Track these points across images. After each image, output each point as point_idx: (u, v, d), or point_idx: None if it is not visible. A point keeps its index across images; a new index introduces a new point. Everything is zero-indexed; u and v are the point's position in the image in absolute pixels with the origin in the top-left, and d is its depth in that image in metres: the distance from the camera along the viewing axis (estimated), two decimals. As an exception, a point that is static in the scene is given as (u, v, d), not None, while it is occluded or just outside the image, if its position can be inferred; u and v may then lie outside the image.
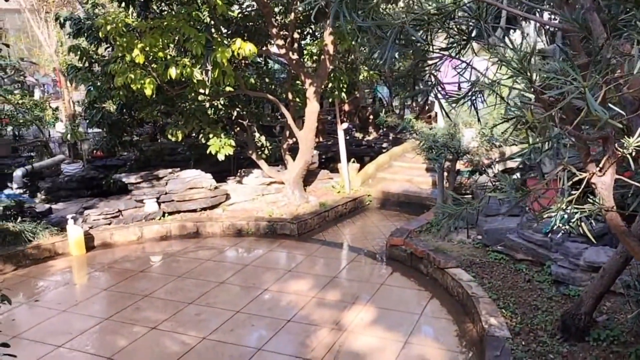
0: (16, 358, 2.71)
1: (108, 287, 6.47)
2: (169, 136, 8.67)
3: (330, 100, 10.67)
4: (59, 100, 16.69)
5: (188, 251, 7.73)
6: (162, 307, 5.80)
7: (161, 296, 6.09)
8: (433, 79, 2.60)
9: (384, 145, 14.73)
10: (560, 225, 2.40)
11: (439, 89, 2.62)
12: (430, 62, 2.44)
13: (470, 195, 8.06)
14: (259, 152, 10.32)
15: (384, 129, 15.43)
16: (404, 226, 7.45)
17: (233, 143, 8.86)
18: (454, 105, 2.63)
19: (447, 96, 2.66)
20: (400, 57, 2.51)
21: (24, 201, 8.34)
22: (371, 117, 15.85)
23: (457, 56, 2.47)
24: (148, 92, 7.34)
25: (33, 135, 13.74)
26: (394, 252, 6.99)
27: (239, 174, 10.25)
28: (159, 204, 8.78)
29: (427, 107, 15.96)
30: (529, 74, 1.94)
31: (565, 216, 2.31)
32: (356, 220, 9.01)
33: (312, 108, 9.03)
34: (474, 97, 2.64)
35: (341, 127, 9.83)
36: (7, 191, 10.29)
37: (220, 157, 8.79)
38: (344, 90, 9.85)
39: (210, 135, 8.90)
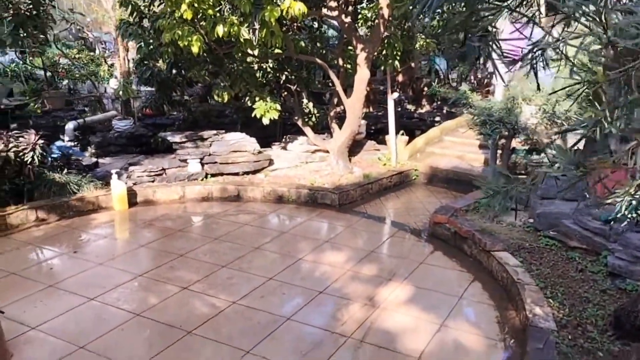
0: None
1: (146, 243, 6.54)
2: (215, 97, 8.59)
3: (383, 69, 10.29)
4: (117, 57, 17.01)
5: (227, 214, 7.71)
6: (196, 268, 5.79)
7: (197, 257, 6.09)
8: (488, 36, 2.30)
9: (437, 119, 14.20)
10: (626, 213, 2.09)
11: (495, 47, 2.32)
12: (484, 13, 2.14)
13: (524, 176, 7.62)
14: (306, 119, 10.14)
15: (438, 102, 14.86)
16: (450, 204, 7.13)
17: (279, 107, 8.71)
18: (511, 68, 2.33)
19: (504, 56, 2.36)
20: (447, 10, 2.22)
21: (72, 153, 8.52)
22: (425, 89, 15.29)
23: (517, 9, 2.15)
24: (195, 49, 7.23)
25: (87, 90, 14.06)
26: (437, 230, 6.71)
27: (283, 140, 10.12)
28: (202, 165, 8.78)
29: (485, 82, 15.26)
30: (603, 29, 1.63)
31: (634, 202, 2.00)
32: (400, 195, 8.73)
33: (362, 75, 8.71)
34: (534, 61, 2.33)
35: (391, 97, 9.47)
36: (58, 143, 10.59)
37: (265, 121, 8.66)
38: (398, 58, 9.45)
39: (257, 99, 8.77)
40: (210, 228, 7.12)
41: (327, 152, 9.66)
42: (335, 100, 9.75)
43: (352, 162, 9.63)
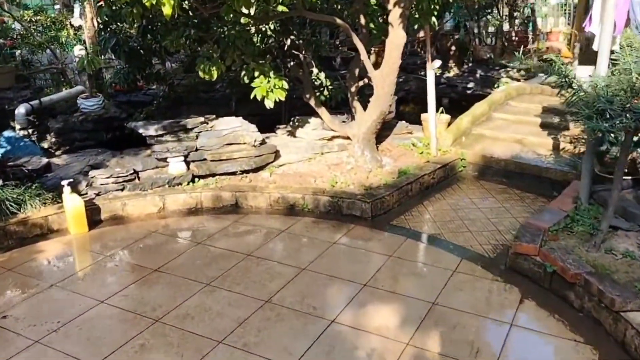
0: None
1: (108, 297, 4.64)
2: (201, 73, 6.52)
3: (415, 27, 8.19)
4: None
5: (223, 235, 5.80)
6: (178, 346, 3.92)
7: (180, 322, 4.21)
8: None
9: (470, 85, 12.15)
10: None
11: None
12: None
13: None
14: (318, 94, 8.11)
15: (470, 64, 12.75)
16: (533, 222, 5.20)
17: (285, 85, 6.65)
18: None
19: None
20: None
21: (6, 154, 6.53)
22: (453, 48, 13.14)
23: None
24: (167, 10, 5.14)
25: (48, 61, 11.87)
26: (522, 264, 4.82)
27: (291, 123, 8.09)
28: (188, 164, 6.80)
29: (527, 35, 13.09)
30: None
31: None
32: (448, 196, 6.79)
33: (397, 39, 6.62)
34: None
35: (432, 66, 7.40)
36: (7, 133, 8.57)
37: (269, 103, 6.63)
38: (436, 13, 7.34)
39: (256, 73, 6.70)
40: (199, 262, 5.22)
41: (348, 138, 7.67)
42: (357, 70, 7.68)
43: (380, 151, 7.65)
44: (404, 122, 8.38)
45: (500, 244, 5.46)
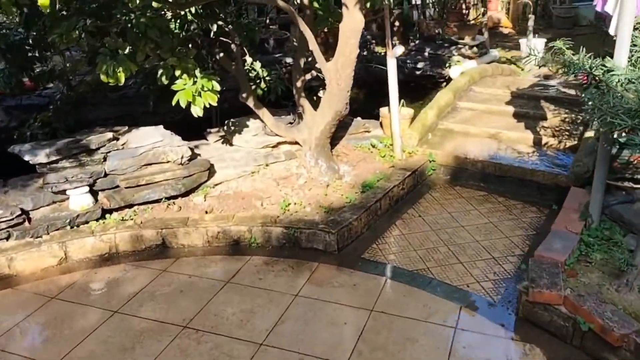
0: None
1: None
2: (103, 76, 5.01)
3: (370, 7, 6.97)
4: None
5: (147, 297, 4.44)
6: None
7: None
8: None
9: (419, 65, 11.09)
10: None
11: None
12: None
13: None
14: (254, 88, 6.79)
15: (417, 42, 11.70)
16: (545, 254, 4.20)
17: (217, 86, 5.28)
18: None
19: None
20: None
21: None
22: (396, 23, 12.03)
23: None
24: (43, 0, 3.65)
25: None
26: (540, 314, 3.82)
27: (225, 127, 6.71)
28: (95, 194, 5.32)
29: (478, 15, 12.21)
30: None
31: None
32: (423, 211, 5.72)
33: (353, 23, 5.38)
34: None
35: (393, 54, 6.22)
36: None
37: (197, 111, 5.25)
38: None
39: (177, 72, 5.28)
40: (117, 345, 3.86)
41: (297, 144, 6.42)
42: (302, 61, 6.39)
43: (335, 156, 6.46)
44: (359, 119, 7.19)
45: (502, 279, 4.46)
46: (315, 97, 7.72)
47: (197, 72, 5.34)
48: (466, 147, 6.48)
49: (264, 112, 6.22)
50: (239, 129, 6.54)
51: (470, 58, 10.40)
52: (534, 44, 9.48)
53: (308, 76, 6.38)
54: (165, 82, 5.43)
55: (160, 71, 5.43)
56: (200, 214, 5.39)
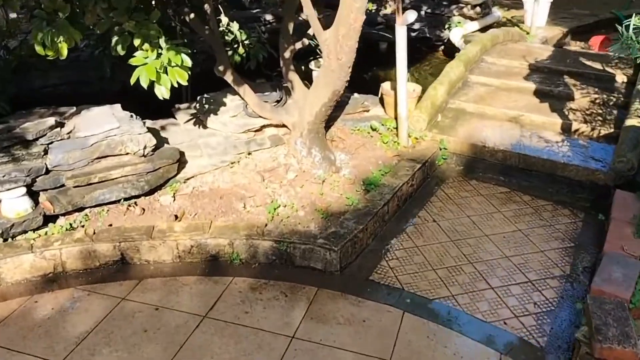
0: None
1: None
2: (38, 48, 3.88)
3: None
4: None
5: (102, 338, 3.49)
6: None
7: None
8: None
9: (415, 26, 10.01)
10: None
11: None
12: None
13: None
14: (231, 54, 5.72)
15: (411, -1, 10.57)
16: (606, 289, 3.37)
17: (187, 60, 4.19)
18: None
19: None
20: None
21: None
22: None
23: None
24: None
25: None
26: (609, 375, 3.05)
27: (197, 104, 5.63)
28: (35, 195, 4.27)
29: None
30: None
31: None
32: (437, 214, 4.85)
33: (359, -17, 4.33)
34: None
35: (403, 20, 5.16)
36: None
37: (162, 92, 4.18)
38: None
39: (136, 41, 4.17)
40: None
41: (284, 126, 5.43)
42: (291, 25, 5.30)
43: (329, 141, 5.49)
44: (357, 95, 6.16)
45: (544, 313, 3.67)
46: (303, 67, 6.66)
47: (161, 41, 4.24)
48: (483, 133, 5.58)
49: (245, 90, 5.16)
50: (215, 107, 5.48)
51: (472, 19, 9.41)
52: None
53: (299, 45, 5.32)
54: (122, 52, 4.32)
55: (114, 39, 4.31)
56: (168, 220, 4.41)
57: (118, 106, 4.91)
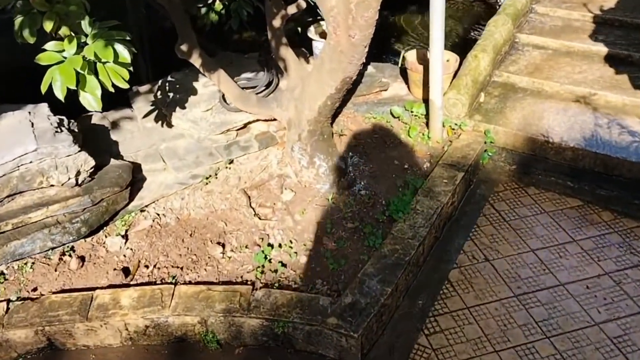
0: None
1: None
2: None
3: None
4: None
5: None
6: None
7: None
8: None
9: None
10: None
11: None
12: None
13: None
14: (206, 13, 4.36)
15: None
16: None
17: (125, 54, 2.79)
18: None
19: None
20: None
21: None
22: None
23: None
24: None
25: None
26: None
27: (159, 90, 4.23)
28: None
29: None
30: None
31: None
32: (489, 249, 3.56)
33: None
34: None
35: (442, -29, 3.66)
36: None
37: (89, 102, 2.80)
38: None
39: (48, 24, 2.74)
40: None
41: (274, 120, 4.06)
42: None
43: (337, 136, 4.14)
44: (373, 69, 4.69)
45: None
46: (297, 37, 5.21)
47: (84, 24, 2.84)
48: (543, 121, 4.19)
49: (220, 76, 3.73)
50: (182, 96, 4.08)
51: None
52: None
53: (292, 9, 3.84)
54: (30, 40, 2.90)
55: (17, 19, 2.88)
56: (116, 275, 3.16)
57: (43, 108, 3.54)
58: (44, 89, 2.73)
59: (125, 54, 2.77)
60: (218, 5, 4.62)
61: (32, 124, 3.32)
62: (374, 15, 3.11)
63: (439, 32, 3.78)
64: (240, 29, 5.28)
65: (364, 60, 3.45)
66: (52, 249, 3.23)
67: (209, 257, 3.30)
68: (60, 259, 3.28)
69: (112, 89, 2.85)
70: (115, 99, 4.42)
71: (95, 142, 3.86)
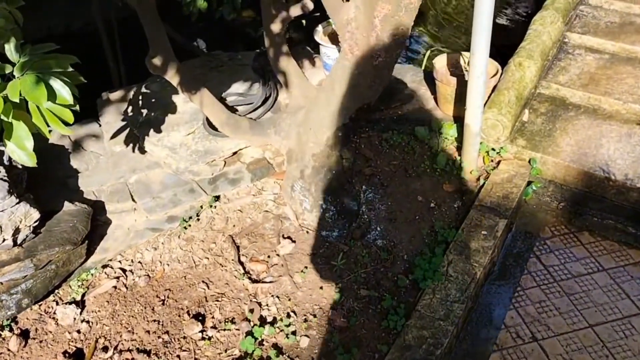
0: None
1: None
2: None
3: None
4: None
5: None
6: None
7: None
8: None
9: None
10: None
11: None
12: None
13: None
14: (195, 2, 3.64)
15: None
16: None
17: (64, 94, 2.04)
18: None
19: None
20: None
21: None
22: None
23: None
24: None
25: None
26: None
27: (129, 104, 3.47)
28: None
29: None
30: None
31: None
32: (535, 321, 2.87)
33: None
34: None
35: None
36: None
37: (20, 158, 2.08)
38: None
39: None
40: None
41: (265, 146, 3.32)
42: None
43: (346, 163, 3.40)
44: (392, 78, 3.92)
45: None
46: (305, 23, 4.41)
47: (11, 48, 2.12)
48: (602, 149, 3.44)
49: (203, 97, 2.95)
50: (158, 116, 3.32)
51: None
52: None
53: (296, 11, 3.04)
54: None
55: None
56: (66, 366, 2.50)
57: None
58: (-48, 138, 2.02)
59: (64, 94, 2.03)
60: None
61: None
62: (405, 33, 2.35)
63: (484, 37, 2.95)
64: (235, 20, 4.49)
65: (387, 84, 2.70)
66: (-15, 327, 2.56)
67: (184, 338, 2.63)
68: (-2, 335, 2.62)
69: (48, 136, 2.14)
70: (82, 106, 3.73)
71: (50, 172, 3.15)
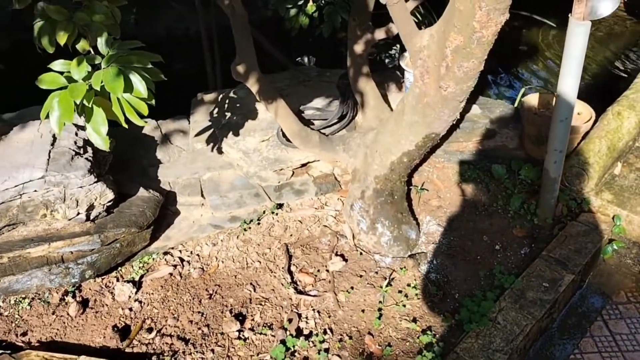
0: None
1: None
2: None
3: None
4: None
5: None
6: None
7: None
8: None
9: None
10: None
11: None
12: None
13: None
14: (295, 15, 3.81)
15: None
16: None
17: (140, 88, 2.22)
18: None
19: None
20: None
21: None
22: None
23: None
24: None
25: None
26: None
27: (215, 107, 3.69)
28: None
29: None
30: None
31: None
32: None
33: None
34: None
35: (587, 13, 2.72)
36: None
37: (95, 141, 2.31)
38: None
39: (62, 36, 2.28)
40: None
41: (335, 162, 3.37)
42: (372, 1, 3.08)
43: (415, 195, 3.38)
44: (478, 110, 3.83)
45: None
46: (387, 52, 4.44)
47: (102, 42, 2.33)
48: (701, 216, 3.13)
49: (278, 108, 3.08)
50: (239, 120, 3.50)
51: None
52: None
53: (380, 34, 3.08)
54: (50, 50, 2.45)
55: (37, 24, 2.43)
56: (111, 339, 2.69)
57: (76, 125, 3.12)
58: (42, 116, 2.28)
59: (140, 88, 2.20)
60: (310, 8, 4.00)
61: (54, 140, 2.91)
62: (476, 67, 2.30)
63: (571, 81, 2.82)
64: (330, 38, 4.62)
65: (458, 117, 2.65)
66: (50, 290, 2.82)
67: (221, 334, 2.73)
68: (62, 299, 2.87)
69: (125, 125, 2.34)
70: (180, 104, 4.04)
71: (136, 159, 3.43)
